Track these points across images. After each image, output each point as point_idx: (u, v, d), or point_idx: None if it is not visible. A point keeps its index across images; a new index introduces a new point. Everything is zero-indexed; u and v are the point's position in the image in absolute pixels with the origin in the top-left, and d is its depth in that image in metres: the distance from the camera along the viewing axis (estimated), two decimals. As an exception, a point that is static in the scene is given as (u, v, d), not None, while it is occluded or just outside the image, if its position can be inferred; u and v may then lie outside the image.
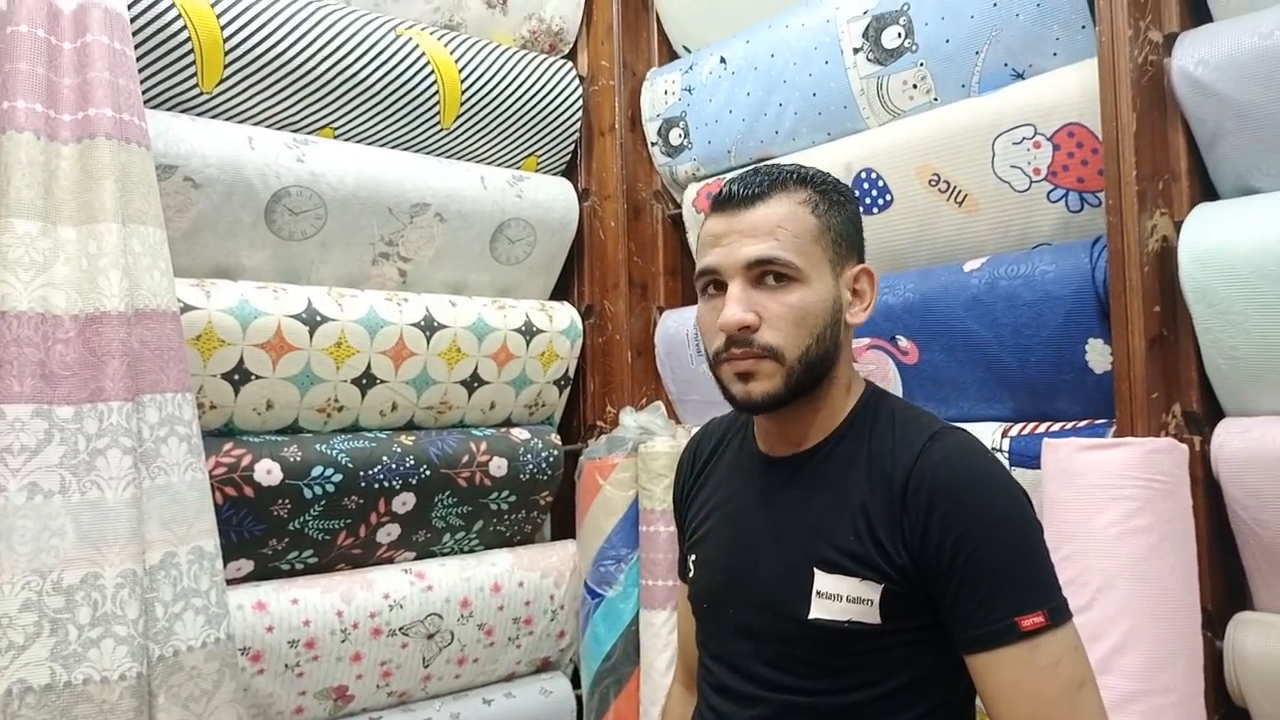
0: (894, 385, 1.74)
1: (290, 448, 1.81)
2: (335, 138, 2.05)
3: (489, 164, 2.28)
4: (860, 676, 0.99)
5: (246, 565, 1.77)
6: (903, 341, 1.72)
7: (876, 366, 1.76)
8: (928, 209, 1.76)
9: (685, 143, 2.22)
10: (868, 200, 1.84)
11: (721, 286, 1.03)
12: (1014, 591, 0.93)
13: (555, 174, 2.40)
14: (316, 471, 1.80)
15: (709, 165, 2.19)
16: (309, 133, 2.02)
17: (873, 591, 0.97)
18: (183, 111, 1.86)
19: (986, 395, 1.64)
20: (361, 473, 1.86)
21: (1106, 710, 0.94)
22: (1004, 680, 0.93)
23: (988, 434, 1.57)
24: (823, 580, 0.99)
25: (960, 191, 1.71)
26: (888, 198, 1.81)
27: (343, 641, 1.77)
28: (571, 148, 2.39)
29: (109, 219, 1.55)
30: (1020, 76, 1.68)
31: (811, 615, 0.99)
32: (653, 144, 2.30)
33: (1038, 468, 1.44)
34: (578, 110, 2.35)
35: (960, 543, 0.94)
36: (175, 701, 1.43)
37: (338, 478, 1.82)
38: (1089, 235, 1.55)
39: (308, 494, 1.79)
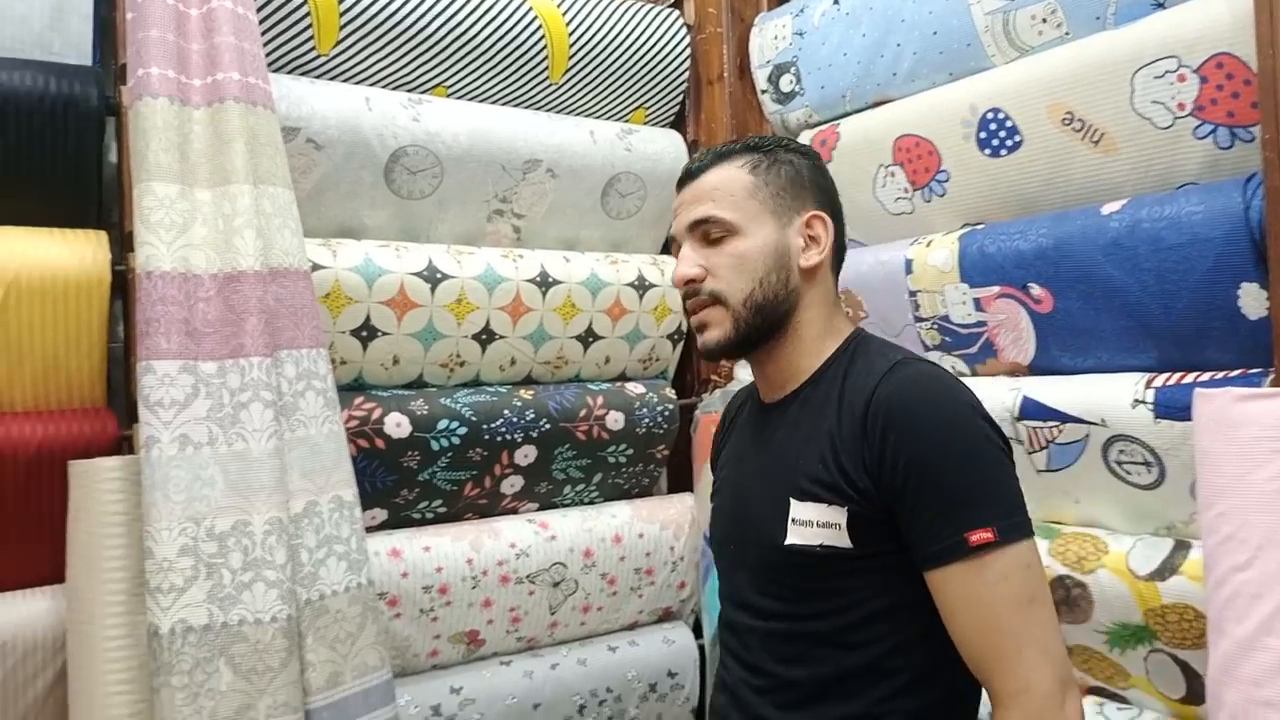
0: (1027, 335, 1.68)
1: (417, 401, 1.85)
2: (448, 96, 2.07)
3: (598, 118, 2.27)
4: (837, 601, 1.05)
5: (380, 514, 1.83)
6: (1035, 289, 1.66)
7: (1008, 316, 1.70)
8: (1060, 149, 1.68)
9: (797, 89, 2.17)
10: (995, 142, 1.77)
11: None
12: (963, 509, 0.98)
13: (664, 126, 2.37)
14: (442, 425, 1.85)
15: (823, 111, 2.13)
16: (423, 92, 2.04)
17: (839, 515, 1.03)
18: (302, 74, 1.90)
19: (1127, 345, 1.57)
20: (484, 426, 1.89)
21: (1059, 630, 0.99)
22: (956, 593, 0.99)
23: (1130, 385, 1.50)
24: (797, 508, 1.06)
25: (1096, 130, 1.62)
26: (1016, 139, 1.74)
27: (473, 588, 1.83)
28: (680, 98, 2.36)
29: (241, 180, 1.60)
30: (1161, 6, 1.57)
31: (788, 541, 1.06)
32: (763, 92, 2.25)
33: (1187, 419, 1.37)
34: (685, 60, 2.32)
35: (911, 464, 1.00)
36: (323, 643, 1.49)
37: (463, 431, 1.86)
38: (1241, 173, 1.46)
39: (435, 446, 1.83)
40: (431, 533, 1.85)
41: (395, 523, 1.86)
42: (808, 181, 1.17)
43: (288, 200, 1.65)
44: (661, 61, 2.28)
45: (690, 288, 1.13)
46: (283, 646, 1.43)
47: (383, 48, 1.94)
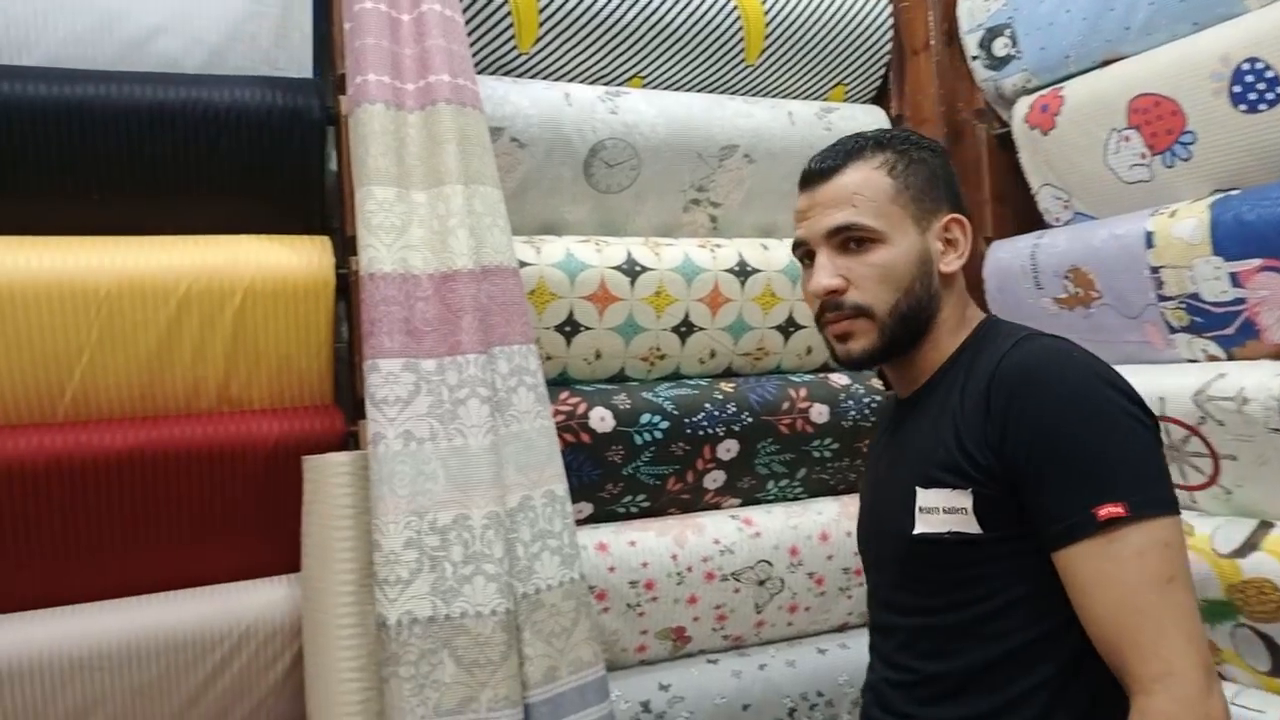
0: (1299, 313, 1.49)
1: (620, 396, 1.85)
2: (643, 86, 2.05)
3: (795, 98, 2.20)
4: (972, 591, 1.02)
5: (587, 508, 1.84)
6: (1308, 261, 1.46)
7: (1271, 292, 1.51)
8: (1337, 101, 1.47)
9: (1013, 52, 2.01)
10: (1252, 96, 1.57)
11: (813, 257, 1.14)
12: (1091, 482, 0.93)
13: (865, 102, 2.27)
14: (645, 419, 1.83)
15: (1043, 74, 1.97)
16: (619, 84, 2.03)
17: (965, 499, 1.00)
18: (504, 74, 1.92)
19: None
20: (686, 420, 1.86)
21: (1201, 618, 0.91)
22: (1087, 572, 0.93)
23: None
24: (923, 496, 1.04)
25: (1385, 75, 1.41)
26: (1279, 91, 1.54)
27: (678, 584, 1.80)
28: (882, 72, 2.24)
29: (454, 181, 1.63)
30: None
31: (916, 531, 1.04)
32: (973, 58, 2.10)
33: None
34: (888, 30, 2.20)
35: (1035, 436, 0.96)
36: (539, 636, 1.50)
37: (665, 425, 1.84)
38: None
39: (638, 440, 1.82)
40: (637, 527, 1.84)
41: (601, 517, 1.86)
42: (941, 181, 1.15)
43: (497, 199, 1.68)
44: (861, 34, 2.18)
45: (831, 299, 1.11)
46: (502, 640, 1.45)
47: (580, 41, 1.95)
